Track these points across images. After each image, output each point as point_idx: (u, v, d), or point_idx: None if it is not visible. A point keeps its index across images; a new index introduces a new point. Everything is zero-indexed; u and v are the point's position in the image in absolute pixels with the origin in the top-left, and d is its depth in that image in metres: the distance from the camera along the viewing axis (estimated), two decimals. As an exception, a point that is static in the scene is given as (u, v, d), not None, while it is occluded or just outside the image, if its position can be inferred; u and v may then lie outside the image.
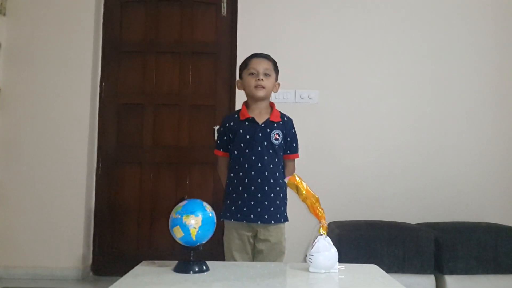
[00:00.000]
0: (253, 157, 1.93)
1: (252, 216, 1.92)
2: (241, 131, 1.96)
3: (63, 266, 2.98)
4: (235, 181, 1.96)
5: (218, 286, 1.32)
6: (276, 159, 1.97)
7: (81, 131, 3.09)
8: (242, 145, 1.96)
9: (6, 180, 3.06)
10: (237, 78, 2.14)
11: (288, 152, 2.04)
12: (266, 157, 1.94)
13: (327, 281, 1.38)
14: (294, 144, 2.05)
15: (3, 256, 2.99)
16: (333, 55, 3.14)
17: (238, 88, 2.08)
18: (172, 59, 3.27)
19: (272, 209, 1.94)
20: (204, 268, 1.42)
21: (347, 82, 3.12)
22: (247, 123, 1.97)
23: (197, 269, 1.40)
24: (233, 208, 1.95)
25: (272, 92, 2.04)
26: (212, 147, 3.12)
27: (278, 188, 1.96)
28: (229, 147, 2.02)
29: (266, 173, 1.93)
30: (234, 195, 1.96)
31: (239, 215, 1.94)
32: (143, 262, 1.53)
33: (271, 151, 1.95)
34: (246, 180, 1.93)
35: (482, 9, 3.17)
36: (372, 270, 1.53)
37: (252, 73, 1.97)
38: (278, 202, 1.96)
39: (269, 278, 1.39)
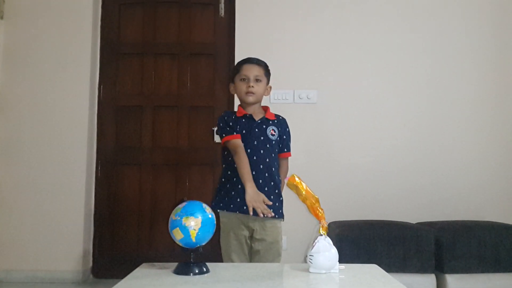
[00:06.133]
0: (249, 150, 1.94)
1: (245, 207, 1.84)
2: (238, 126, 1.98)
3: (63, 269, 2.97)
4: (229, 173, 1.98)
5: (218, 288, 1.32)
6: (272, 155, 2.00)
7: (80, 133, 3.09)
8: None
9: (5, 182, 3.05)
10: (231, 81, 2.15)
11: (285, 150, 2.08)
12: (261, 151, 1.96)
13: (327, 281, 1.38)
14: (289, 143, 2.10)
15: (3, 259, 2.98)
16: (332, 55, 3.14)
17: (231, 92, 2.11)
18: (170, 61, 3.27)
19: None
20: (204, 269, 1.41)
21: (345, 82, 3.12)
22: (244, 120, 2.00)
23: (197, 271, 1.39)
24: (226, 199, 1.96)
25: (264, 96, 2.07)
26: (211, 148, 3.17)
27: (272, 183, 1.97)
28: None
29: (261, 166, 1.95)
30: (228, 186, 1.97)
31: (231, 206, 1.94)
32: (143, 264, 1.53)
33: (267, 145, 1.98)
34: None
35: (481, 8, 3.17)
36: (372, 270, 1.53)
37: (243, 79, 2.00)
38: (272, 197, 1.93)
39: (270, 279, 1.39)
